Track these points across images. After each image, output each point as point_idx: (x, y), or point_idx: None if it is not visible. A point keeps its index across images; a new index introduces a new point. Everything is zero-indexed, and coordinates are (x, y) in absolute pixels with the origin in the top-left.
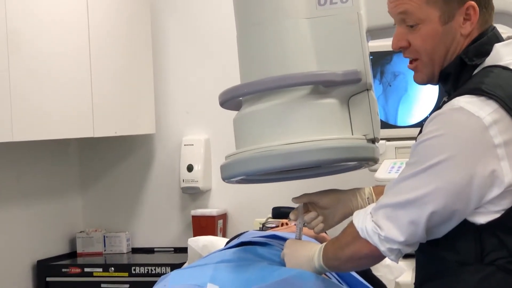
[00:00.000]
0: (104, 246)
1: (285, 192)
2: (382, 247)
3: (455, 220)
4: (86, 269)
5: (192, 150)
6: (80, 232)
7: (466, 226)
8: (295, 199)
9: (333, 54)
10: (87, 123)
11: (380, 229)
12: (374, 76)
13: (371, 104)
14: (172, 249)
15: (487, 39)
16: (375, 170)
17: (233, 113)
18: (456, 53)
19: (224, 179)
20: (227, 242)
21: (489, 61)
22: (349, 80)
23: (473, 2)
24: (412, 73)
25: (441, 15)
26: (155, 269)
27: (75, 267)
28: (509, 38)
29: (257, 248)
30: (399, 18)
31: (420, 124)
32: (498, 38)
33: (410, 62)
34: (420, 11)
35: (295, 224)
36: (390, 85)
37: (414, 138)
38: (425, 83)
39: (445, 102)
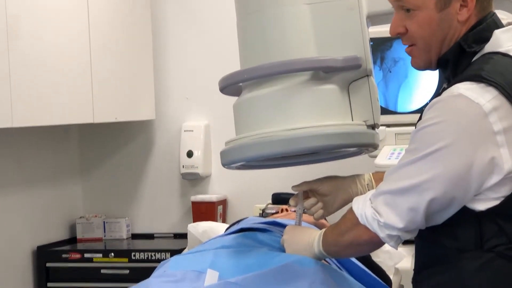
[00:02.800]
0: (104, 231)
1: (285, 178)
2: (382, 234)
3: (455, 207)
4: (86, 255)
5: (192, 136)
6: (80, 217)
7: (465, 213)
8: (295, 187)
9: (333, 40)
10: (87, 109)
11: (380, 216)
12: (374, 62)
13: (371, 90)
14: (172, 234)
15: (486, 26)
16: (375, 156)
17: (233, 99)
18: (454, 39)
19: (224, 165)
20: (227, 228)
21: (488, 47)
22: (349, 66)
23: None
24: None
25: (437, 2)
26: (155, 255)
27: (75, 253)
28: (509, 24)
29: (257, 234)
30: (396, 4)
31: (420, 111)
32: (498, 24)
33: (408, 46)
34: None
35: (295, 210)
36: (390, 71)
37: (414, 125)
38: (421, 69)
39: (444, 89)
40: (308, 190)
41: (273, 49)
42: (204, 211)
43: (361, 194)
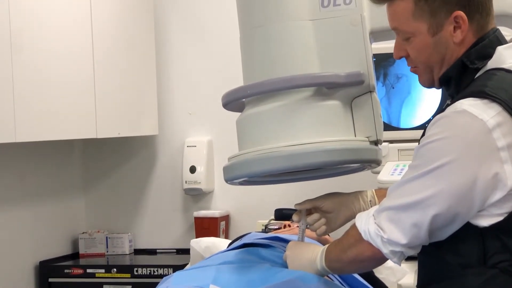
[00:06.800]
0: (107, 247)
1: (287, 194)
2: (385, 250)
3: (458, 223)
4: (89, 270)
5: (195, 152)
6: (83, 233)
7: (469, 228)
8: (297, 205)
9: (336, 56)
10: (90, 124)
11: (383, 232)
12: (377, 78)
13: (374, 106)
14: (175, 250)
15: (488, 42)
16: (378, 172)
17: (236, 115)
18: (452, 60)
19: (227, 180)
20: (230, 244)
21: (491, 63)
22: (352, 82)
23: (460, 12)
24: (415, 75)
25: (429, 28)
26: (157, 271)
27: (77, 268)
28: None
29: (259, 250)
30: (394, 31)
31: (423, 127)
32: (501, 41)
33: (413, 67)
34: (408, 26)
35: (297, 226)
36: (393, 87)
37: (417, 141)
38: (428, 87)
39: (448, 105)
40: (311, 208)
41: (276, 64)
42: (207, 226)
43: (364, 210)
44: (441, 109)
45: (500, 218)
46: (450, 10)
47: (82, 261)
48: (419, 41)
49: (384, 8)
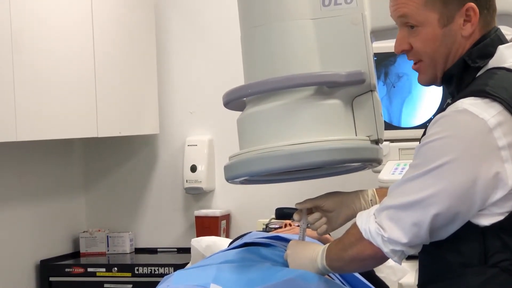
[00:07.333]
0: (107, 246)
1: (288, 193)
2: (385, 249)
3: (459, 222)
4: (89, 269)
5: (196, 151)
6: (84, 232)
7: (470, 228)
8: (298, 205)
9: (337, 55)
10: (91, 123)
11: (384, 231)
12: (378, 77)
13: (375, 105)
14: (175, 249)
15: (490, 41)
16: (379, 171)
17: (237, 114)
18: (459, 55)
19: (227, 179)
20: (230, 243)
21: (493, 63)
22: (353, 81)
23: (472, 4)
24: (417, 74)
25: (440, 18)
26: (158, 270)
27: (78, 267)
28: None
29: (260, 249)
30: (399, 21)
31: (424, 126)
32: (502, 40)
33: (414, 63)
34: (418, 14)
35: (298, 225)
36: (394, 86)
37: (418, 140)
38: (428, 85)
39: (449, 104)
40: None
41: (277, 63)
42: (208, 225)
43: (365, 209)
44: (442, 108)
45: (501, 217)
46: (462, 1)
47: (82, 260)
48: (428, 32)
49: (385, 6)
